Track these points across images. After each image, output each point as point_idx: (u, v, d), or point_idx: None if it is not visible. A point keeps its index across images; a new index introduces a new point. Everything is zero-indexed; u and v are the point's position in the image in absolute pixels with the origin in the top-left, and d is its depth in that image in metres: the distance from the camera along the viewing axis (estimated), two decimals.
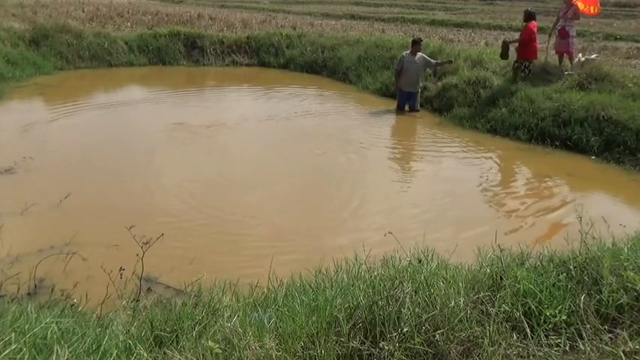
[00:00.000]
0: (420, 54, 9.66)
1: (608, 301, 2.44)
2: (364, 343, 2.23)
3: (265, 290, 3.10)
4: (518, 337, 2.29)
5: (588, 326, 2.34)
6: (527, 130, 8.00)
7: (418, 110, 9.74)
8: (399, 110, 9.75)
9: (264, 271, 3.35)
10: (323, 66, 13.58)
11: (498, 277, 2.71)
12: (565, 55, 9.44)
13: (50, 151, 6.90)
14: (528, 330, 2.31)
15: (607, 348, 2.20)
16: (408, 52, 9.70)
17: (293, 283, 3.15)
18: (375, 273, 2.84)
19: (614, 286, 2.49)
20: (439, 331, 2.23)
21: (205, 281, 3.36)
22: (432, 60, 9.87)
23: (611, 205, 5.79)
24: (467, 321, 2.32)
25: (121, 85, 11.90)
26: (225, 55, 14.79)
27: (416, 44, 9.66)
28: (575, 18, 9.28)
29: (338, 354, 2.20)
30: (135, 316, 2.81)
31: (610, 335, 2.29)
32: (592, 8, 9.16)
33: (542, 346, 2.24)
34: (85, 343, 2.22)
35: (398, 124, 9.26)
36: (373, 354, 2.19)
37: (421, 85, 9.87)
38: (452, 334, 2.25)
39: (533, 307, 2.43)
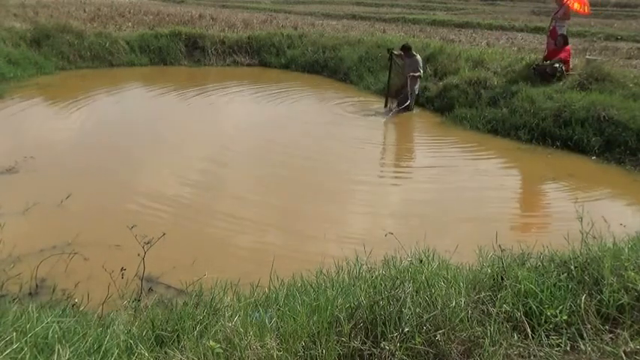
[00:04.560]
0: (409, 59, 9.58)
1: (609, 301, 2.44)
2: (365, 343, 2.23)
3: (266, 290, 3.10)
4: (519, 337, 2.29)
5: (589, 326, 2.34)
6: (528, 130, 7.99)
7: (407, 108, 9.63)
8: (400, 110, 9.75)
9: (265, 270, 3.35)
10: (324, 66, 13.57)
11: (499, 277, 2.71)
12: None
13: (51, 151, 6.91)
14: (529, 330, 2.31)
15: (608, 348, 2.20)
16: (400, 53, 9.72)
17: (294, 283, 3.15)
18: (376, 273, 2.84)
19: (614, 286, 2.49)
20: (440, 331, 2.23)
21: (206, 281, 3.36)
22: (415, 71, 9.63)
23: (612, 205, 5.78)
24: (468, 321, 2.32)
25: (122, 84, 11.91)
26: (227, 55, 14.80)
27: (404, 50, 9.71)
28: (566, 18, 9.26)
29: (339, 354, 2.20)
30: (136, 315, 2.82)
31: (611, 335, 2.29)
32: (586, 8, 9.17)
33: (543, 346, 2.24)
34: (86, 342, 2.23)
35: (399, 124, 9.25)
36: (374, 354, 2.19)
37: (412, 88, 9.69)
38: (453, 334, 2.25)
39: (534, 307, 2.43)
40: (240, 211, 5.32)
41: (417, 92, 9.69)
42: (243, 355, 2.11)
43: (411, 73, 9.52)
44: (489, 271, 2.83)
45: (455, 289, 2.52)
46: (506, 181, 6.64)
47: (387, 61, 9.97)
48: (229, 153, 7.29)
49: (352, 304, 2.45)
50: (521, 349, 2.22)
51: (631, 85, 8.08)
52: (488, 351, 2.17)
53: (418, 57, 9.62)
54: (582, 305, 2.41)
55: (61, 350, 2.02)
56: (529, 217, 5.66)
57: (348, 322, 2.31)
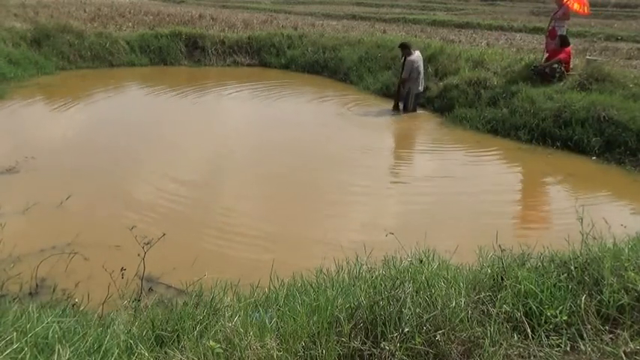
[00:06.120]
0: (408, 58, 9.51)
1: (609, 302, 2.44)
2: (365, 343, 2.23)
3: (266, 290, 3.10)
4: (519, 338, 2.29)
5: (589, 327, 2.34)
6: (528, 130, 7.98)
7: (405, 109, 9.64)
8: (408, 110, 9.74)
9: (265, 270, 3.35)
10: (324, 66, 13.56)
11: (499, 278, 2.71)
12: None
13: (52, 151, 6.91)
14: (529, 330, 2.31)
15: (608, 348, 2.20)
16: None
17: (294, 283, 3.15)
18: (376, 273, 2.84)
19: (615, 287, 2.49)
20: (440, 332, 2.23)
21: (207, 281, 3.36)
22: (404, 72, 9.57)
23: (612, 205, 5.78)
24: (468, 321, 2.32)
25: (122, 85, 11.92)
26: (227, 56, 14.79)
27: (400, 48, 9.72)
28: (565, 18, 9.26)
29: (339, 354, 2.20)
30: (136, 315, 2.82)
31: (611, 336, 2.29)
32: (585, 8, 9.16)
33: (543, 347, 2.24)
34: (86, 342, 2.23)
35: (399, 124, 9.26)
36: (374, 354, 2.19)
37: (407, 88, 9.60)
38: (453, 335, 2.25)
39: (534, 307, 2.43)
40: (241, 212, 5.34)
41: (415, 92, 9.63)
42: (243, 355, 2.11)
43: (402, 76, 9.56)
44: (489, 271, 2.83)
45: (455, 289, 2.52)
46: (506, 181, 6.64)
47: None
48: (229, 154, 7.30)
49: (352, 304, 2.45)
50: (521, 350, 2.22)
51: (631, 86, 8.07)
52: (488, 351, 2.17)
53: (413, 57, 9.46)
54: (582, 306, 2.41)
55: (61, 350, 2.02)
56: (529, 218, 5.65)
57: (348, 323, 2.31)
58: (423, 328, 2.27)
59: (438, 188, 6.16)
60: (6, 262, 3.97)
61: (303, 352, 2.19)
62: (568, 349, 2.23)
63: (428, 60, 10.78)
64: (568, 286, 2.59)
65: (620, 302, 2.43)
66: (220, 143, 7.73)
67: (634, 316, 2.38)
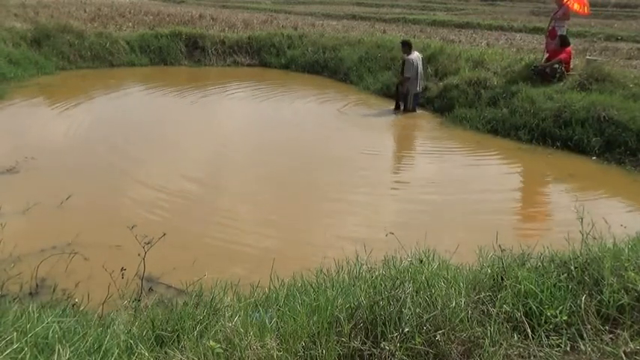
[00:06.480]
0: (406, 58, 9.50)
1: (609, 302, 2.44)
2: (365, 343, 2.23)
3: (266, 290, 3.10)
4: (519, 338, 2.29)
5: (589, 327, 2.34)
6: (528, 130, 7.99)
7: (405, 108, 9.66)
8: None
9: (265, 271, 3.35)
10: (324, 66, 13.56)
11: (499, 278, 2.71)
12: None
13: (51, 151, 6.91)
14: (529, 330, 2.31)
15: (608, 348, 2.20)
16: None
17: (294, 283, 3.15)
18: (376, 273, 2.84)
19: (615, 287, 2.49)
20: (440, 332, 2.23)
21: (207, 281, 3.37)
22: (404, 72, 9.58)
23: (612, 205, 5.78)
24: (468, 321, 2.32)
25: (122, 85, 11.91)
26: (227, 56, 14.80)
27: (402, 45, 9.72)
28: (565, 18, 9.26)
29: (339, 354, 2.20)
30: (136, 315, 2.82)
31: (611, 336, 2.29)
32: (585, 8, 9.17)
33: (543, 347, 2.24)
34: (86, 342, 2.23)
35: (399, 124, 9.26)
36: (374, 354, 2.19)
37: (407, 87, 9.59)
38: (453, 335, 2.25)
39: (534, 307, 2.43)
40: (241, 212, 5.34)
41: (413, 92, 9.62)
42: (243, 355, 2.11)
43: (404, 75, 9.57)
44: (489, 271, 2.83)
45: (455, 289, 2.52)
46: (506, 181, 6.64)
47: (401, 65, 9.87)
48: (229, 154, 7.30)
49: (352, 304, 2.45)
50: (521, 350, 2.22)
51: (631, 86, 8.07)
52: (488, 351, 2.17)
53: (412, 57, 9.46)
54: (582, 306, 2.41)
55: (61, 350, 2.02)
56: (529, 217, 5.65)
57: (348, 323, 2.31)
58: (423, 328, 2.27)
59: (438, 189, 6.15)
60: (6, 262, 3.97)
61: (303, 352, 2.19)
62: (568, 349, 2.23)
63: (428, 60, 10.78)
64: (568, 286, 2.59)
65: (620, 302, 2.43)
66: (220, 143, 7.73)
67: (634, 316, 2.38)
